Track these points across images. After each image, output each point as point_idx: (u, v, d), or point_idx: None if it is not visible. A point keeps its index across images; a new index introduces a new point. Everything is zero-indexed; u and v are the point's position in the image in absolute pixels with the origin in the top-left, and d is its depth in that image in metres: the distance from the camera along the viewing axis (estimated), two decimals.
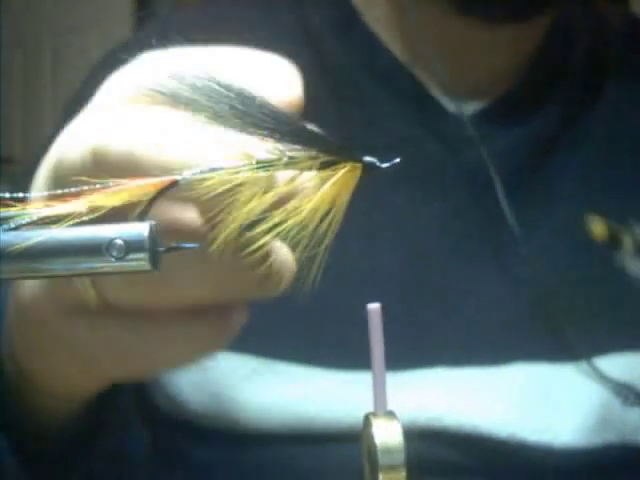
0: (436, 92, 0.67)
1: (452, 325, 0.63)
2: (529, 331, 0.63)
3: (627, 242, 0.33)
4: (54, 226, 0.30)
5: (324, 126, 0.33)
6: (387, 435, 0.31)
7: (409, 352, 0.61)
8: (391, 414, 0.32)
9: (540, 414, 0.61)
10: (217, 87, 0.31)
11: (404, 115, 0.65)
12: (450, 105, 0.66)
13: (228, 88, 0.31)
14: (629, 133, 0.68)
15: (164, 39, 0.35)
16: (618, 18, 0.72)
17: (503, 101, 0.67)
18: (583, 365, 0.61)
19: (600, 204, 0.58)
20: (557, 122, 0.67)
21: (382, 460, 0.31)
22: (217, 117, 0.31)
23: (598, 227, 0.35)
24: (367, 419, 0.32)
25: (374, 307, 0.32)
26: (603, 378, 0.61)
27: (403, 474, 0.31)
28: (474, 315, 0.64)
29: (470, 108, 0.67)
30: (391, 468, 0.31)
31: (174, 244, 0.31)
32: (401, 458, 0.31)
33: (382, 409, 0.32)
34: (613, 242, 0.33)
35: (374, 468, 0.31)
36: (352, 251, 0.61)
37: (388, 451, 0.31)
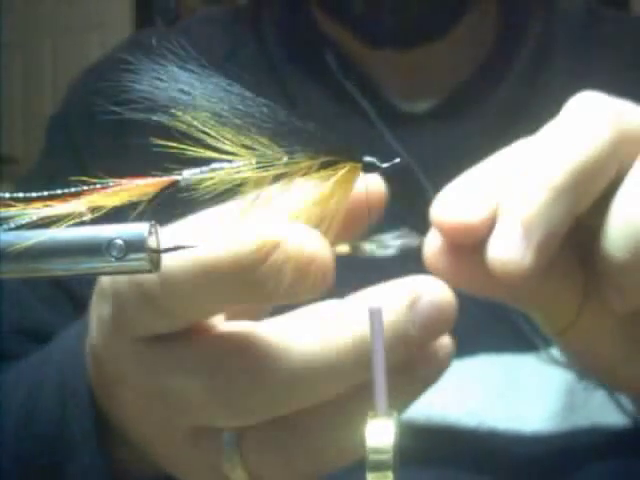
0: (389, 93, 0.67)
1: None
2: (490, 325, 0.63)
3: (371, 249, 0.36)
4: (54, 226, 0.30)
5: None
6: (378, 436, 0.31)
7: None
8: (390, 414, 0.32)
9: (507, 402, 0.61)
10: (217, 87, 0.31)
11: (359, 117, 0.66)
12: (403, 105, 0.67)
13: (228, 88, 0.31)
14: None
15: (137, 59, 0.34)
16: (572, 7, 0.73)
17: (454, 98, 0.68)
18: (543, 354, 0.62)
19: None
20: (509, 112, 0.67)
21: (370, 460, 0.31)
22: (217, 117, 0.31)
23: (342, 248, 0.38)
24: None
25: (374, 307, 0.32)
26: (563, 365, 0.61)
27: (390, 475, 0.31)
28: None
29: (423, 106, 0.68)
30: (378, 468, 0.31)
31: (174, 244, 0.31)
32: (389, 459, 0.31)
33: (382, 409, 0.32)
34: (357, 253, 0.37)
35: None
36: None
37: (376, 452, 0.31)
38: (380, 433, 0.31)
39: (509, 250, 0.35)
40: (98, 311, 0.38)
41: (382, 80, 0.68)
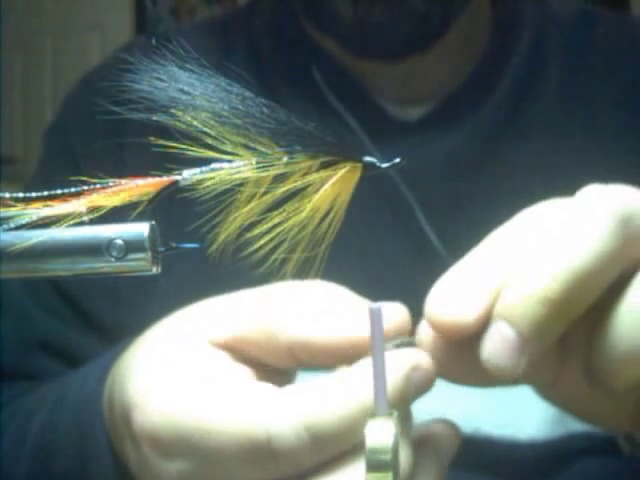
0: (381, 100, 0.67)
1: None
2: None
3: None
4: (54, 226, 0.30)
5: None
6: (377, 436, 0.31)
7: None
8: (391, 415, 0.32)
9: (502, 408, 0.61)
10: (217, 87, 0.31)
11: (351, 124, 0.66)
12: (396, 112, 0.67)
13: (228, 88, 0.31)
14: (573, 120, 0.68)
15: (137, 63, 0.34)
16: (565, 9, 0.73)
17: (446, 105, 0.68)
18: None
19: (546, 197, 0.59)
20: (501, 116, 0.67)
21: (369, 460, 0.31)
22: (217, 117, 0.31)
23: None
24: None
25: (375, 307, 0.32)
26: None
27: (389, 475, 0.31)
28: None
29: (416, 113, 0.67)
30: (377, 468, 0.31)
31: (174, 244, 0.31)
32: (387, 460, 0.31)
33: (382, 409, 0.32)
34: None
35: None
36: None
37: (375, 452, 0.31)
38: (380, 433, 0.31)
39: (504, 359, 0.35)
40: (165, 468, 0.39)
41: (373, 87, 0.67)
